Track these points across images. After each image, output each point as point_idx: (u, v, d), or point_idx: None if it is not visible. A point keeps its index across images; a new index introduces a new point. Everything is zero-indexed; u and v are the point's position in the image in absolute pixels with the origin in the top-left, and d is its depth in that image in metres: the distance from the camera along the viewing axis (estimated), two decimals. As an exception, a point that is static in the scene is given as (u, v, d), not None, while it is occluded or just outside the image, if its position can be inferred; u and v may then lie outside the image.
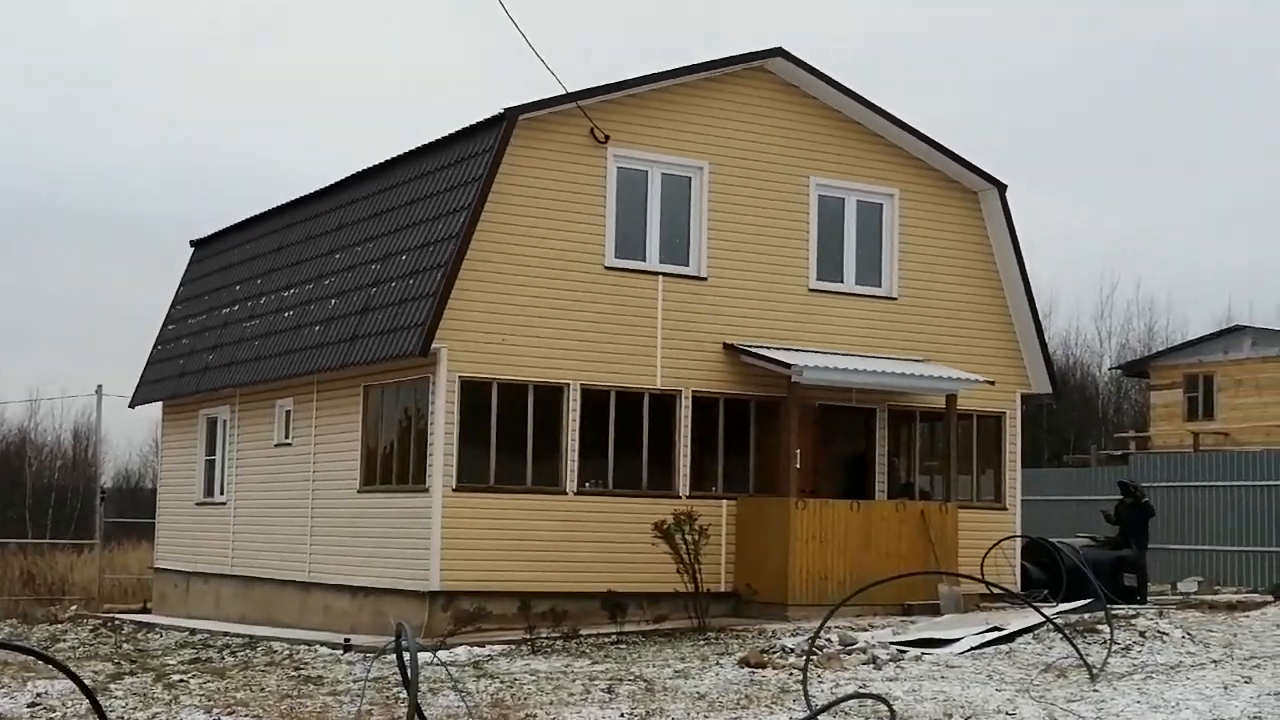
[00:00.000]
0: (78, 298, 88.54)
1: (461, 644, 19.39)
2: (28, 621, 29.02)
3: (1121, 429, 55.00)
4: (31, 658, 18.65)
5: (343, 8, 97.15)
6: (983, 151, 25.44)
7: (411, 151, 24.31)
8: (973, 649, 17.20)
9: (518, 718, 13.21)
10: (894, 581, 18.04)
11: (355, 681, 16.84)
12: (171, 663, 19.90)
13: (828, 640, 16.86)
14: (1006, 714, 12.75)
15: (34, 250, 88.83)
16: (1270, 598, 24.51)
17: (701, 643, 19.44)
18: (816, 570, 22.30)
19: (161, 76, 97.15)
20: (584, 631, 20.29)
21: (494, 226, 21.91)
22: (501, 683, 15.90)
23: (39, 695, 15.58)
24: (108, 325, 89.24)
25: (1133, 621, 17.90)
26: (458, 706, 14.02)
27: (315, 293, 25.49)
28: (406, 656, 8.99)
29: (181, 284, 31.73)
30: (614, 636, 20.20)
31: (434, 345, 21.41)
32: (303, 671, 18.11)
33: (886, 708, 10.72)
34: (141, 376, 31.51)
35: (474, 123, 22.74)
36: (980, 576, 18.86)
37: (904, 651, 16.99)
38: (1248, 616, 20.89)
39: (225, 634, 23.61)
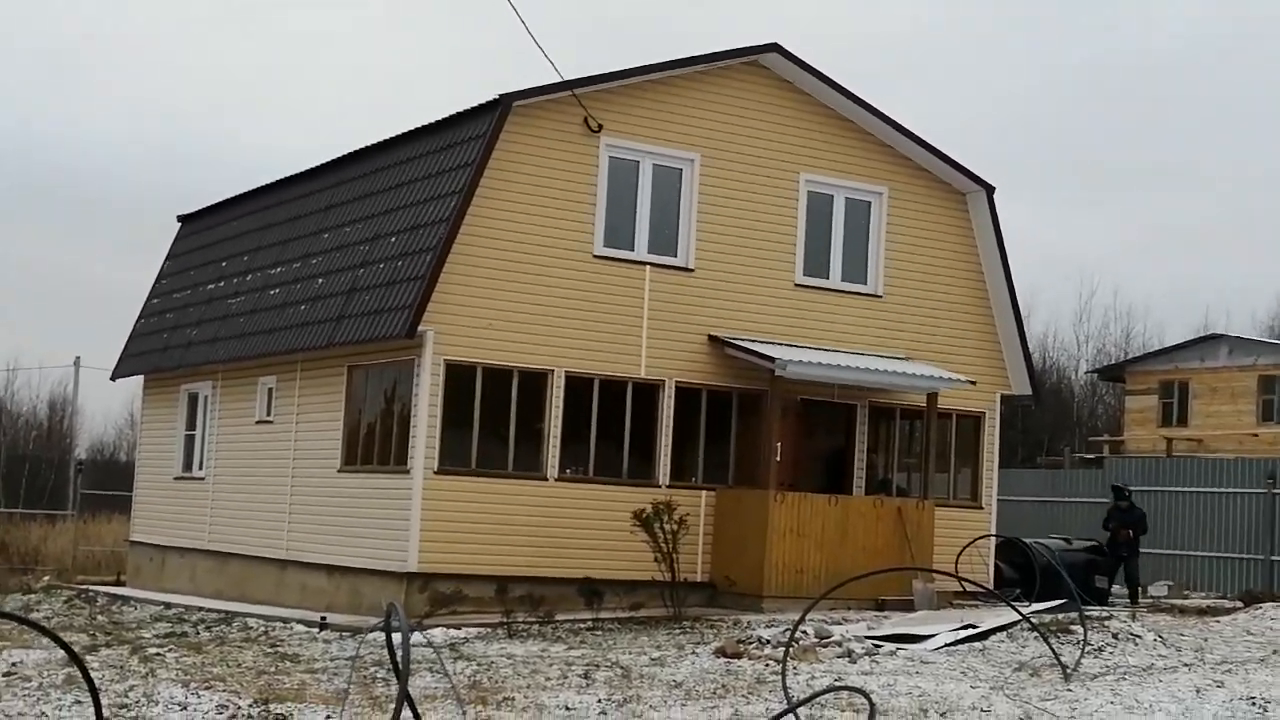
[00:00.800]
0: (56, 269, 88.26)
1: (438, 626, 19.46)
2: (0, 590, 28.97)
3: (1096, 432, 55.34)
4: (6, 625, 18.69)
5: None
6: (968, 157, 25.60)
7: (404, 134, 24.33)
8: (947, 645, 17.33)
9: (496, 700, 13.29)
10: (869, 576, 18.18)
11: (332, 660, 16.91)
12: (147, 636, 19.93)
13: (803, 633, 16.97)
14: (981, 710, 12.87)
15: (12, 220, 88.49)
16: (1240, 604, 24.70)
17: (677, 631, 19.55)
18: (793, 563, 22.42)
19: (149, 47, 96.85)
20: (560, 617, 20.39)
21: (484, 211, 21.96)
22: (478, 665, 15.98)
23: (14, 664, 15.61)
24: (86, 297, 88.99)
25: (1106, 623, 18.06)
26: (436, 687, 14.10)
27: (302, 271, 25.50)
28: (395, 637, 9.06)
29: (167, 258, 31.69)
30: (590, 623, 20.30)
31: (420, 328, 21.46)
32: (279, 649, 18.16)
33: (866, 701, 10.83)
34: (124, 350, 31.47)
35: (468, 107, 22.78)
36: (956, 574, 18.99)
37: (879, 646, 17.11)
38: (1218, 622, 21.07)
39: (200, 609, 23.64)
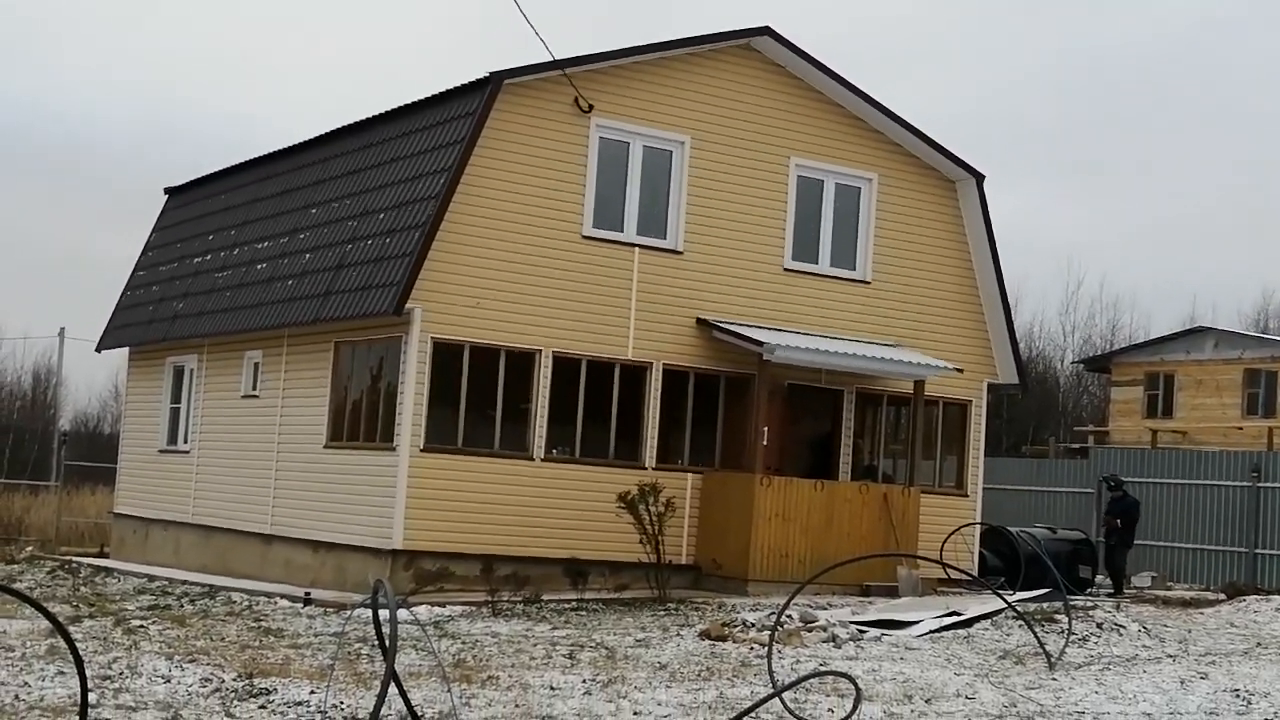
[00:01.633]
0: (41, 239, 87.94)
1: (423, 604, 19.44)
2: (-17, 560, 28.90)
3: (1081, 423, 55.43)
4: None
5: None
6: (957, 144, 25.59)
7: (394, 110, 24.24)
8: (931, 632, 17.36)
9: (480, 679, 13.27)
10: (854, 562, 18.20)
11: (316, 635, 16.87)
12: (130, 608, 19.88)
13: (789, 617, 16.97)
14: (966, 698, 12.89)
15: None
16: (1223, 596, 24.78)
17: (662, 613, 19.55)
18: (778, 547, 22.44)
19: (140, 20, 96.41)
20: (545, 596, 20.38)
21: (474, 189, 21.90)
22: (463, 644, 15.96)
23: (-2, 634, 15.55)
24: (71, 268, 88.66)
25: (1090, 613, 18.10)
26: (419, 664, 14.08)
27: (290, 246, 25.41)
28: (383, 614, 9.03)
29: (154, 231, 31.56)
30: (575, 603, 20.30)
31: (408, 305, 21.40)
32: (263, 623, 18.12)
33: (853, 686, 10.83)
34: (109, 322, 31.36)
35: (459, 85, 22.69)
36: (941, 561, 19.02)
37: (864, 631, 17.13)
38: (1202, 614, 21.14)
39: (184, 582, 23.59)
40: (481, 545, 21.64)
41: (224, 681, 12.63)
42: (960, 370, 24.88)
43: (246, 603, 20.78)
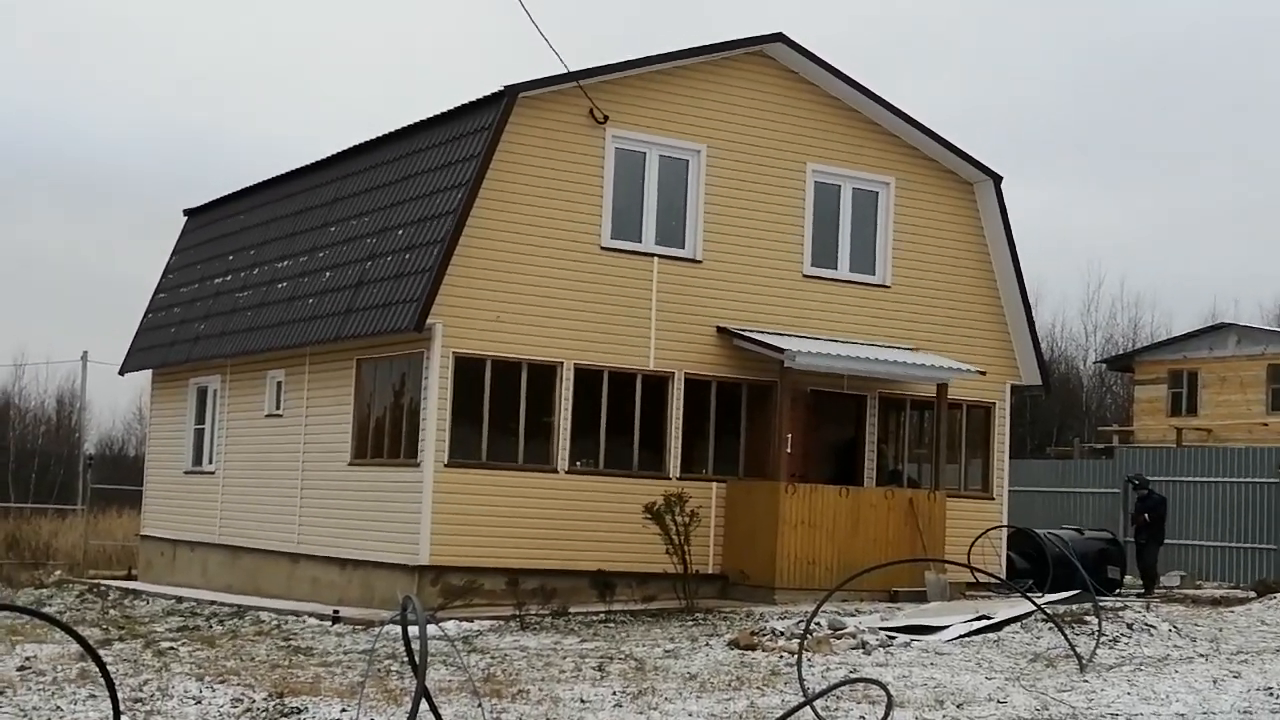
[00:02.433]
0: (63, 263, 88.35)
1: (450, 619, 19.45)
2: (12, 585, 29.02)
3: (1105, 423, 55.24)
4: (19, 619, 18.68)
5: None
6: (974, 145, 25.56)
7: (410, 126, 24.30)
8: (961, 637, 17.29)
9: (510, 693, 13.26)
10: (882, 568, 18.16)
11: (345, 653, 16.89)
12: (160, 630, 19.92)
13: (817, 625, 16.93)
14: (998, 702, 12.83)
15: (20, 214, 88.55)
16: (1253, 593, 24.66)
17: (690, 623, 19.52)
18: (805, 555, 22.39)
19: (156, 39, 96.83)
20: (573, 609, 20.37)
21: (491, 203, 21.92)
22: (492, 658, 15.95)
23: (28, 659, 15.58)
24: (93, 291, 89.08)
25: (1120, 614, 18.01)
26: (450, 680, 14.07)
27: (310, 265, 25.48)
28: (412, 630, 9.02)
29: (174, 252, 31.68)
30: (603, 615, 20.28)
31: (429, 321, 21.43)
32: (292, 642, 18.14)
33: (884, 692, 10.79)
34: (132, 344, 31.47)
35: (474, 99, 22.74)
36: (969, 565, 18.96)
37: (893, 637, 17.08)
38: (1232, 612, 21.03)
39: (212, 603, 23.64)
40: (508, 559, 21.64)
41: (255, 701, 12.65)
42: (982, 373, 24.82)
43: (275, 622, 20.80)
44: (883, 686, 10.87)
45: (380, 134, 25.14)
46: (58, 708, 12.43)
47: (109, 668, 14.82)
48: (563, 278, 22.44)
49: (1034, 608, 17.30)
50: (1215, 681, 13.78)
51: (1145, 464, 31.58)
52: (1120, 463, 32.80)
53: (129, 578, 30.05)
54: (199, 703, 12.68)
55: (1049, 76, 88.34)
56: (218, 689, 13.24)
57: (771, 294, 23.93)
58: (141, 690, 13.25)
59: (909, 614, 19.34)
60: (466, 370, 21.90)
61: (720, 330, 23.43)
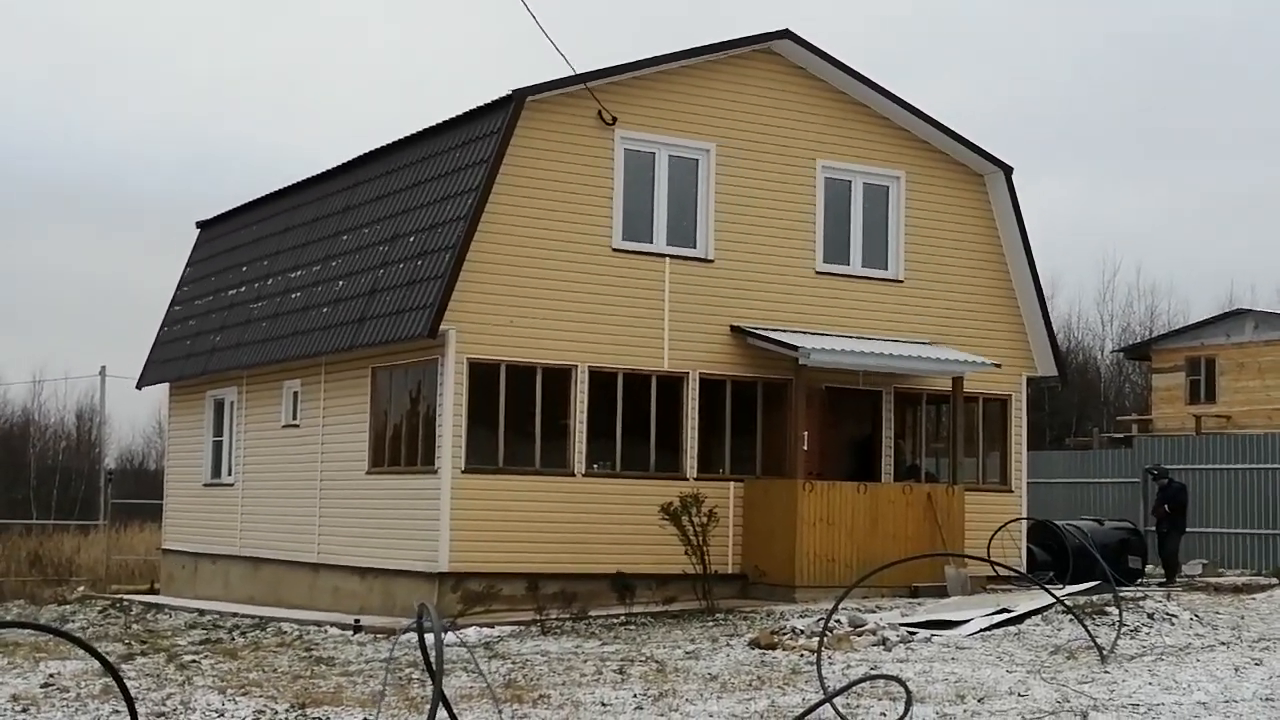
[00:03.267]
0: (80, 278, 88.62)
1: (471, 625, 19.47)
2: (36, 602, 29.11)
3: (1123, 412, 55.11)
4: (43, 637, 18.74)
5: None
6: (988, 135, 25.53)
7: (419, 133, 24.33)
8: (982, 630, 17.27)
9: (531, 698, 13.27)
10: (901, 563, 18.12)
11: (367, 662, 16.91)
12: (182, 643, 19.97)
13: (837, 622, 16.91)
14: (1019, 695, 12.82)
15: (36, 230, 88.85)
16: (1275, 580, 24.58)
17: (710, 624, 19.52)
18: (824, 552, 22.37)
19: (168, 53, 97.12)
20: (593, 612, 20.37)
21: (502, 208, 21.94)
22: (513, 664, 15.97)
23: (52, 675, 15.64)
24: (110, 306, 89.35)
25: (1140, 604, 17.96)
26: (471, 686, 14.09)
27: (323, 274, 25.52)
28: (428, 638, 9.04)
29: (188, 265, 31.76)
30: (623, 617, 20.28)
31: (442, 327, 21.45)
32: (314, 652, 18.18)
33: (903, 689, 10.78)
34: (148, 358, 31.55)
35: (482, 104, 22.75)
36: (989, 558, 18.91)
37: (914, 633, 17.06)
38: (1254, 599, 20.97)
39: (234, 615, 23.68)
40: (527, 564, 21.65)
41: (277, 713, 12.68)
42: (998, 365, 24.77)
43: (297, 632, 20.85)
44: (901, 683, 10.86)
45: (389, 141, 25.19)
46: (80, 724, 12.47)
47: (132, 683, 14.92)
48: (575, 280, 22.45)
49: (1054, 600, 17.26)
50: (1237, 669, 13.74)
51: (1164, 453, 31.49)
52: (1139, 452, 32.70)
53: (151, 592, 30.14)
54: (221, 715, 12.71)
55: (1063, 66, 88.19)
56: (240, 701, 13.28)
57: (784, 291, 23.90)
58: (164, 704, 13.30)
59: (929, 609, 19.32)
60: (481, 375, 21.92)
61: (734, 329, 23.42)
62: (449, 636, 16.61)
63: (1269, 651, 14.87)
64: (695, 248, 23.42)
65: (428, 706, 12.66)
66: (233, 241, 29.95)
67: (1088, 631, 15.49)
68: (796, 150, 24.19)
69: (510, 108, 21.84)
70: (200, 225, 31.92)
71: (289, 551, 25.64)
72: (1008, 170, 25.37)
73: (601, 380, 22.65)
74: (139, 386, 32.28)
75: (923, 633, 17.12)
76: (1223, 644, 15.73)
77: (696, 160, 23.53)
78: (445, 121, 23.58)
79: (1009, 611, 18.04)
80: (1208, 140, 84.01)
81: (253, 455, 27.48)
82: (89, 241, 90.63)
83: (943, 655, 15.53)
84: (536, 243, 22.22)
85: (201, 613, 24.63)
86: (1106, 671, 13.98)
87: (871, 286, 24.69)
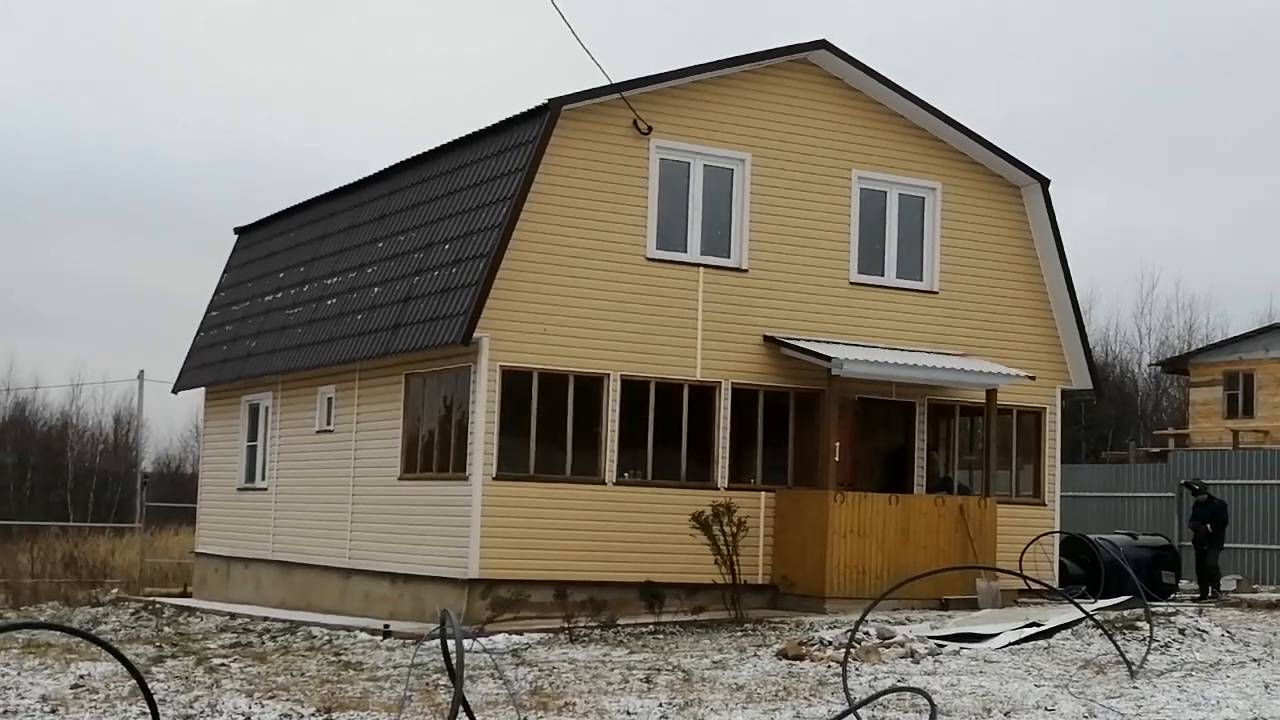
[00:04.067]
0: (119, 283, 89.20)
1: (500, 632, 19.48)
2: (69, 604, 29.29)
3: (1160, 426, 54.76)
4: (75, 639, 18.87)
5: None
6: (1025, 147, 25.47)
7: (455, 141, 24.41)
8: (1011, 644, 17.18)
9: (557, 706, 13.28)
10: (931, 576, 18.07)
11: (395, 668, 16.95)
12: (212, 646, 20.06)
13: (865, 634, 16.87)
14: (1046, 709, 12.75)
15: (75, 235, 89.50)
16: (1310, 597, 24.38)
17: (739, 634, 19.48)
18: (854, 563, 22.31)
19: (209, 59, 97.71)
20: (622, 621, 20.36)
21: (536, 216, 21.99)
22: (540, 671, 15.97)
23: (82, 677, 15.73)
24: (149, 310, 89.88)
25: (1172, 619, 17.85)
26: (497, 693, 14.11)
27: (358, 281, 25.64)
28: (450, 644, 9.06)
29: (225, 271, 31.95)
30: (651, 626, 20.27)
31: (476, 335, 21.51)
32: (342, 657, 18.23)
33: (927, 701, 10.74)
34: (185, 362, 31.75)
35: (518, 113, 22.81)
36: (1020, 572, 18.83)
37: (942, 646, 16.99)
38: (1287, 616, 20.80)
39: (265, 618, 23.78)
40: (556, 571, 21.67)
41: (303, 717, 12.72)
42: (1032, 378, 24.65)
43: (326, 637, 20.91)
44: (926, 695, 10.83)
45: (425, 150, 25.28)
46: (108, 725, 12.54)
47: (160, 685, 15.00)
48: (608, 289, 22.48)
49: (1084, 614, 17.16)
50: (1267, 686, 13.64)
51: (1201, 467, 31.28)
52: (1174, 466, 32.49)
53: (184, 595, 30.30)
54: (248, 719, 12.76)
55: (1104, 76, 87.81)
56: (267, 705, 13.32)
57: (818, 302, 23.87)
58: (191, 707, 13.35)
59: (959, 622, 19.24)
60: (514, 383, 21.96)
61: (767, 339, 23.40)
62: (477, 643, 16.66)
63: (1300, 669, 14.76)
64: (729, 257, 23.42)
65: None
66: (270, 248, 30.12)
67: (1116, 646, 15.40)
68: (832, 160, 24.17)
69: (546, 117, 21.90)
70: (238, 231, 32.11)
71: (321, 556, 25.73)
72: (1044, 182, 25.27)
73: (633, 389, 22.66)
74: (175, 391, 32.48)
75: (951, 645, 17.05)
76: (1254, 660, 15.61)
77: (731, 170, 23.53)
78: (481, 130, 23.66)
79: (1039, 625, 17.95)
80: (1249, 152, 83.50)
81: (286, 460, 27.60)
82: (128, 246, 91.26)
83: (970, 668, 15.46)
84: (571, 251, 22.25)
85: (233, 616, 24.74)
86: (1135, 687, 13.90)
87: (906, 298, 24.63)
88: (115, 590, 31.73)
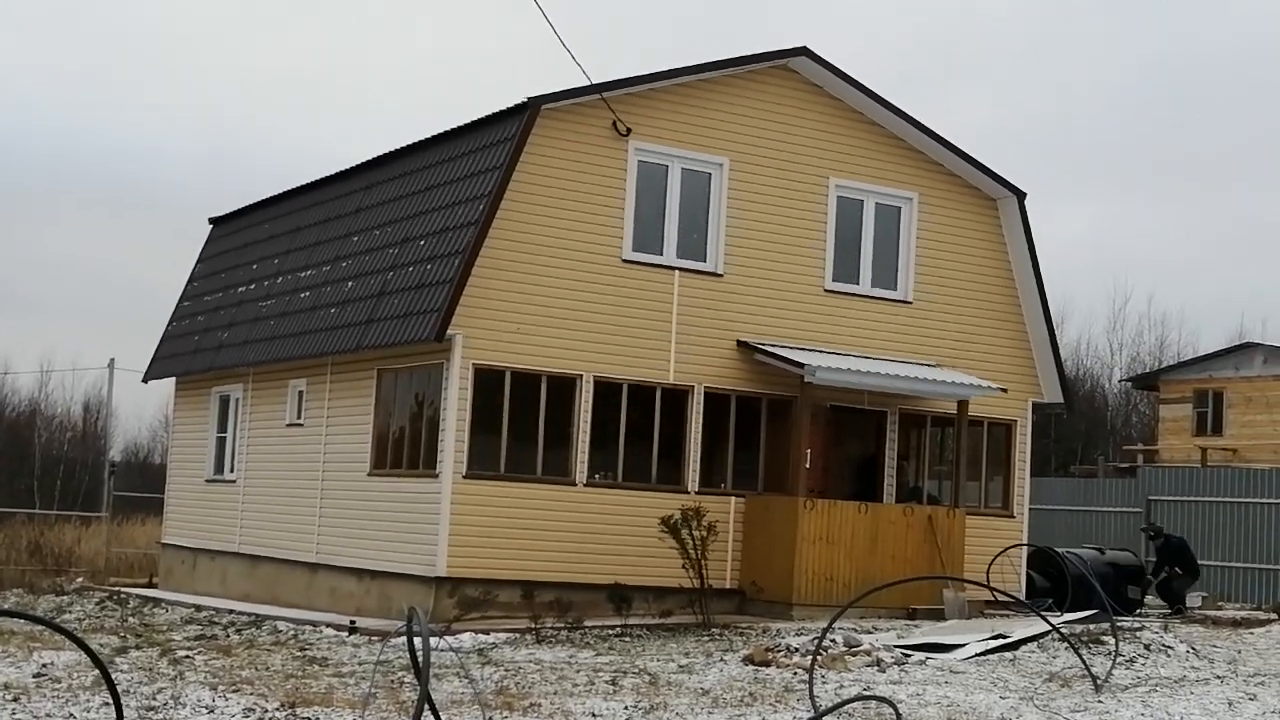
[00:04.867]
0: (90, 269, 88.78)
1: (466, 630, 19.45)
2: (34, 592, 29.11)
3: (1130, 441, 54.99)
4: (38, 627, 18.75)
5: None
6: (999, 160, 25.49)
7: (433, 137, 24.35)
8: (977, 655, 17.21)
9: (522, 706, 13.24)
10: (899, 585, 18.08)
11: (360, 664, 16.89)
12: (177, 638, 19.97)
13: (832, 641, 16.87)
14: (1010, 721, 12.77)
15: (48, 221, 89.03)
16: (1274, 615, 24.47)
17: (706, 639, 19.47)
18: (822, 570, 22.33)
19: (187, 48, 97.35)
20: (589, 623, 20.33)
21: (513, 215, 21.95)
22: (506, 671, 15.94)
23: (44, 665, 15.65)
24: (120, 298, 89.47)
25: (1138, 634, 17.90)
26: (463, 693, 14.06)
27: (332, 274, 25.55)
28: (417, 642, 9.03)
29: (199, 261, 31.80)
30: (618, 629, 20.25)
31: (449, 332, 21.46)
32: (308, 652, 18.16)
33: (893, 710, 10.74)
34: (156, 352, 31.59)
35: (496, 110, 22.77)
36: (987, 583, 18.87)
37: (908, 655, 17.00)
38: (1251, 633, 20.88)
39: (231, 611, 23.69)
40: (525, 571, 21.63)
41: (267, 711, 12.66)
42: (1004, 390, 24.72)
43: (292, 632, 20.83)
44: (891, 704, 10.83)
45: (403, 145, 25.21)
46: (71, 715, 12.46)
47: (124, 676, 14.91)
48: (583, 290, 22.45)
49: (1050, 627, 17.20)
50: (1231, 704, 13.68)
51: (1169, 483, 31.41)
52: (1143, 482, 32.62)
53: (150, 585, 30.16)
54: (211, 712, 12.69)
55: (1081, 93, 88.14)
56: (230, 698, 13.25)
57: (793, 308, 23.89)
58: (155, 699, 13.28)
59: (925, 632, 19.27)
60: (486, 381, 21.92)
61: (741, 344, 23.41)
62: (443, 641, 16.61)
63: (1264, 686, 14.80)
64: (705, 261, 23.42)
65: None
66: (245, 239, 29.99)
67: (1082, 660, 15.43)
68: (810, 168, 24.20)
69: (525, 115, 21.87)
70: (213, 221, 31.97)
71: (288, 550, 25.64)
72: (1021, 195, 25.35)
73: (606, 390, 22.64)
74: (145, 380, 32.31)
75: (917, 655, 17.06)
76: (1218, 677, 15.67)
77: (709, 174, 23.53)
78: (459, 126, 23.61)
79: (1005, 637, 17.99)
80: (1226, 171, 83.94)
81: (255, 453, 27.49)
82: (101, 233, 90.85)
83: (936, 678, 15.48)
84: (547, 251, 22.22)
85: (198, 608, 24.63)
86: (1100, 701, 13.93)
87: (880, 307, 24.67)
88: (80, 579, 31.56)
